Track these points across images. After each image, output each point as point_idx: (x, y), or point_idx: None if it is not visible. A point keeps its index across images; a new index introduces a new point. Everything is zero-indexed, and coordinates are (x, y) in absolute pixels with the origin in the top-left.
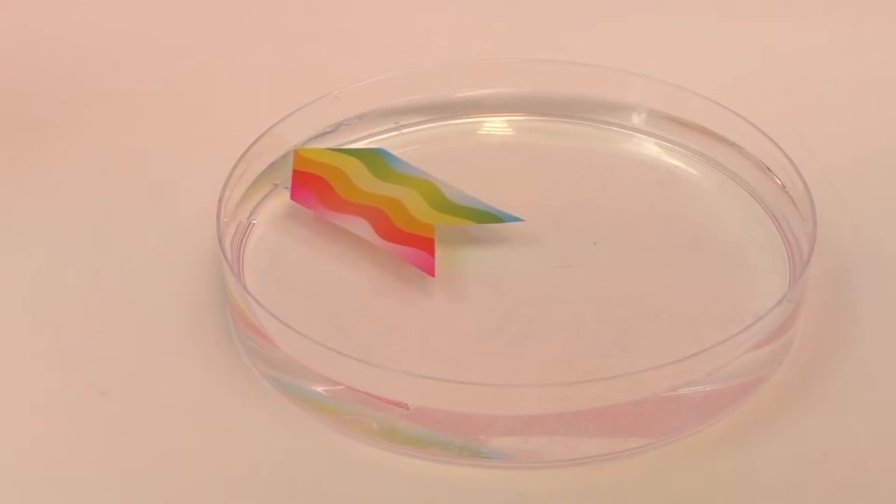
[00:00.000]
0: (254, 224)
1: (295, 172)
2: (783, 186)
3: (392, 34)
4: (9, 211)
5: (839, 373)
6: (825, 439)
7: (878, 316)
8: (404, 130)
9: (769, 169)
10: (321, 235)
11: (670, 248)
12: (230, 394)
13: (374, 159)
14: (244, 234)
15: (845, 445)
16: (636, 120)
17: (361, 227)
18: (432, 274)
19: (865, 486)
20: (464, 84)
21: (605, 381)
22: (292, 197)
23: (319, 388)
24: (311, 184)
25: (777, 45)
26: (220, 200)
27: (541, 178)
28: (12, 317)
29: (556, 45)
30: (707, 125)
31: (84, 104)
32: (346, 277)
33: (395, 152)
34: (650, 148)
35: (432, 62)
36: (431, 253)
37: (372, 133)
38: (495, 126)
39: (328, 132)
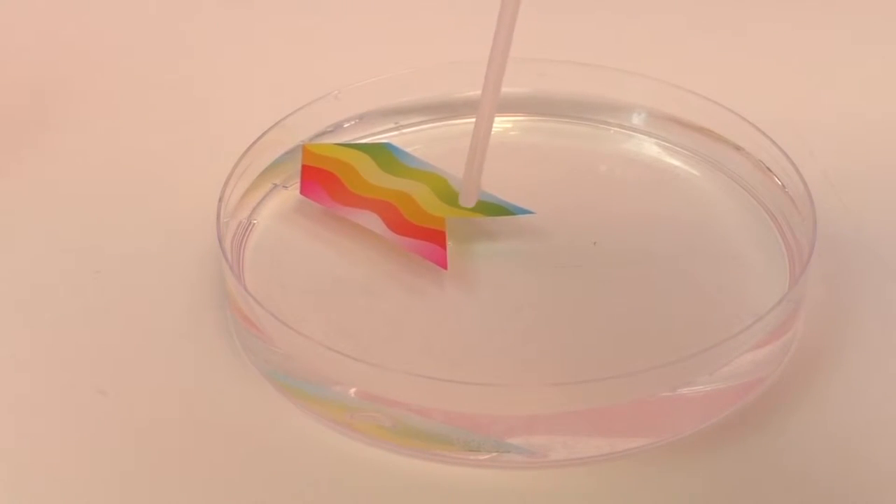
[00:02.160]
0: (254, 224)
1: (304, 168)
2: (783, 186)
3: (392, 34)
4: (9, 210)
5: (839, 373)
6: (825, 439)
7: (878, 316)
8: (404, 130)
9: (769, 169)
10: (322, 235)
11: (670, 248)
12: (230, 394)
13: (383, 154)
14: (244, 234)
15: (845, 445)
16: (636, 120)
17: (372, 221)
18: (444, 266)
19: (865, 486)
20: (464, 84)
21: (605, 381)
22: (302, 192)
23: (326, 388)
24: (320, 179)
25: (777, 45)
26: (220, 200)
27: (541, 179)
28: (12, 316)
29: (557, 45)
30: (707, 125)
31: (84, 104)
32: (347, 277)
33: None
34: (650, 148)
35: (432, 62)
36: (443, 245)
37: (372, 133)
38: (495, 126)
39: (328, 132)
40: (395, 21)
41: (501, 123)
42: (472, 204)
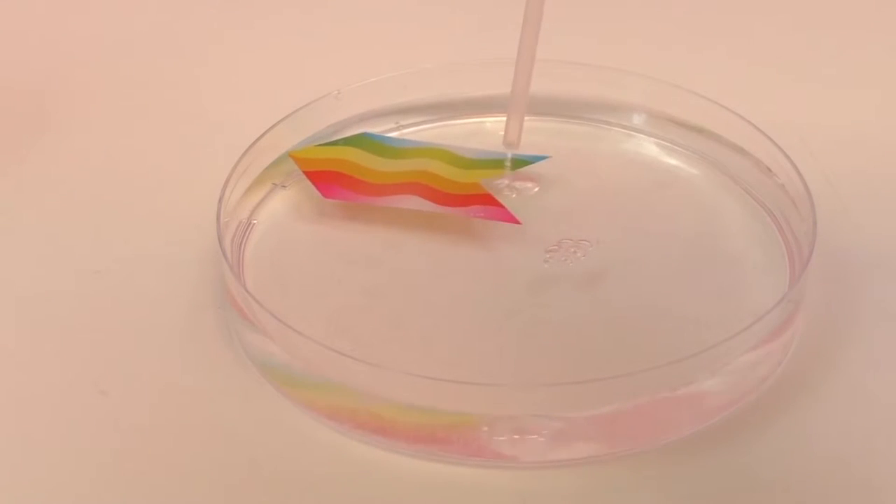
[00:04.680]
0: (254, 224)
1: (307, 174)
2: (783, 186)
3: (392, 34)
4: (9, 211)
5: (839, 373)
6: (825, 439)
7: (878, 316)
8: (404, 130)
9: (769, 169)
10: (321, 235)
11: (670, 248)
12: (230, 394)
13: (368, 143)
14: (244, 234)
15: (845, 445)
16: (636, 120)
17: (414, 202)
18: (517, 221)
19: (866, 486)
20: (464, 84)
21: (605, 381)
22: (324, 196)
23: (326, 388)
24: (332, 179)
25: (777, 45)
26: (220, 200)
27: (541, 179)
28: (12, 316)
29: (557, 45)
30: (707, 125)
31: (84, 104)
32: (347, 277)
33: None
34: (650, 148)
35: (432, 62)
36: (501, 206)
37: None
38: (496, 126)
39: (328, 132)
40: (396, 21)
41: (502, 123)
42: (516, 149)
